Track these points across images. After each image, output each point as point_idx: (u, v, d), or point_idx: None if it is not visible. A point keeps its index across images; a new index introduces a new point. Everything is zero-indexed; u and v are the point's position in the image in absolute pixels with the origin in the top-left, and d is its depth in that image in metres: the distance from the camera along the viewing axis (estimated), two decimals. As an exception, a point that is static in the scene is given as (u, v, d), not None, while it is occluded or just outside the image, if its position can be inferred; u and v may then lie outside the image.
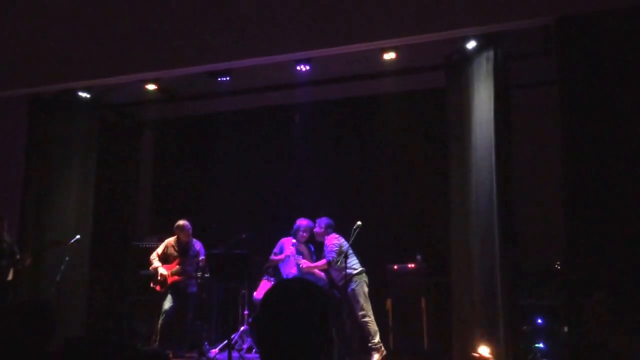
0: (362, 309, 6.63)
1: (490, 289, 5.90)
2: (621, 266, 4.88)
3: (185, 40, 6.77)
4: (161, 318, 7.26)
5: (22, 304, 3.09)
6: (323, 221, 7.05)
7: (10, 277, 7.29)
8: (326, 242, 6.92)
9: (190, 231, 7.52)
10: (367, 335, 6.64)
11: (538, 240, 6.38)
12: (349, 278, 6.65)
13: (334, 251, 6.77)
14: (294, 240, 7.18)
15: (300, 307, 1.73)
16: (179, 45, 6.79)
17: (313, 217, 7.24)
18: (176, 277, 7.36)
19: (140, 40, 6.98)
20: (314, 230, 7.08)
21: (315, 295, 1.77)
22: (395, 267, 7.12)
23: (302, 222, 7.24)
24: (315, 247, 7.33)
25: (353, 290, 6.67)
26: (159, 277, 7.32)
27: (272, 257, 7.27)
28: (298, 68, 7.00)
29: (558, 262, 5.98)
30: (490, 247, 5.94)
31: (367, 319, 6.61)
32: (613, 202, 5.08)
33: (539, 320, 5.45)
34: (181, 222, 7.51)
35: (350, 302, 6.71)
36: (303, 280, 1.87)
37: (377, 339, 6.60)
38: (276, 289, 1.83)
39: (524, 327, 5.55)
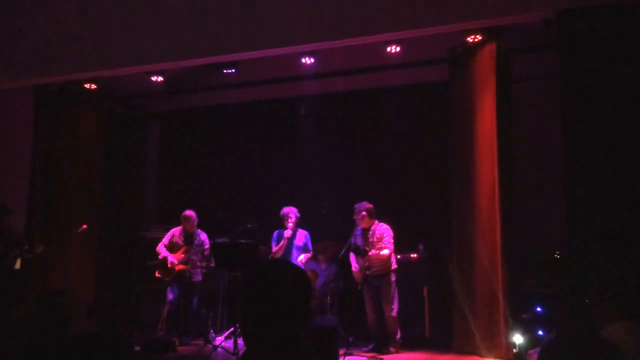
0: (392, 303, 6.68)
1: (491, 278, 6.02)
2: (620, 254, 4.97)
3: (192, 32, 6.83)
4: (167, 307, 7.37)
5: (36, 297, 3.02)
6: (364, 206, 6.83)
7: (17, 266, 7.39)
8: (382, 230, 6.74)
9: (196, 221, 7.62)
10: (390, 331, 6.69)
11: (538, 230, 6.48)
12: (389, 272, 6.71)
13: (392, 243, 6.70)
14: (287, 230, 7.20)
15: (274, 287, 1.80)
16: (185, 37, 6.85)
17: (316, 208, 7.32)
18: (182, 266, 7.46)
19: (146, 32, 7.04)
20: (356, 216, 6.85)
21: (287, 272, 1.85)
22: (398, 256, 7.21)
23: (287, 209, 7.23)
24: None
25: (389, 283, 6.71)
26: (168, 265, 7.41)
27: (274, 249, 7.32)
28: (303, 61, 7.08)
29: (557, 251, 6.08)
30: (491, 237, 6.05)
31: (394, 314, 6.69)
32: (613, 193, 5.16)
33: (538, 308, 5.55)
34: (187, 212, 7.61)
35: (379, 294, 6.75)
36: (276, 261, 1.98)
37: (398, 335, 6.72)
38: (250, 276, 1.90)
39: (524, 315, 5.65)
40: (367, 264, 6.75)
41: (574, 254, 5.12)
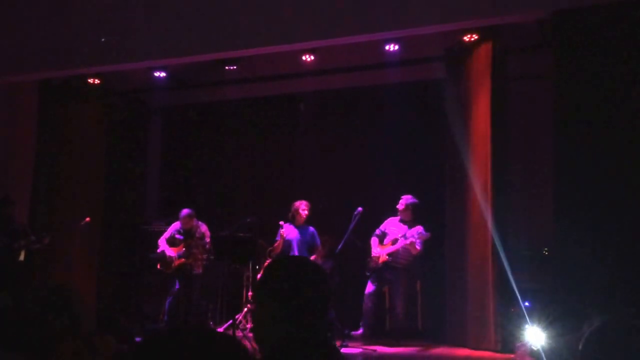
0: (402, 300, 6.80)
1: (482, 273, 6.15)
2: (605, 252, 5.07)
3: (194, 29, 6.93)
4: (168, 299, 7.50)
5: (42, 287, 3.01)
6: (411, 200, 6.99)
7: (21, 257, 7.51)
8: (419, 228, 6.82)
9: (192, 218, 7.61)
10: (394, 327, 6.83)
11: (528, 227, 6.58)
12: (407, 269, 6.84)
13: (420, 243, 6.75)
14: (296, 225, 7.28)
15: (295, 284, 1.73)
16: (188, 33, 6.95)
17: (315, 203, 7.41)
18: (182, 260, 7.58)
19: (149, 28, 7.13)
20: (399, 206, 7.01)
21: (307, 269, 1.81)
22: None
23: (300, 202, 7.30)
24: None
25: (405, 282, 6.84)
26: (167, 259, 7.53)
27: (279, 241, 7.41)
28: (303, 58, 7.19)
29: (546, 248, 6.21)
30: (483, 232, 6.17)
31: (402, 311, 6.81)
32: (601, 192, 5.24)
33: (527, 303, 5.65)
34: (182, 212, 7.61)
35: (396, 286, 6.85)
36: (302, 259, 1.98)
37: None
38: (266, 275, 1.82)
39: (512, 309, 5.76)
40: (392, 250, 6.82)
41: (560, 251, 5.23)
